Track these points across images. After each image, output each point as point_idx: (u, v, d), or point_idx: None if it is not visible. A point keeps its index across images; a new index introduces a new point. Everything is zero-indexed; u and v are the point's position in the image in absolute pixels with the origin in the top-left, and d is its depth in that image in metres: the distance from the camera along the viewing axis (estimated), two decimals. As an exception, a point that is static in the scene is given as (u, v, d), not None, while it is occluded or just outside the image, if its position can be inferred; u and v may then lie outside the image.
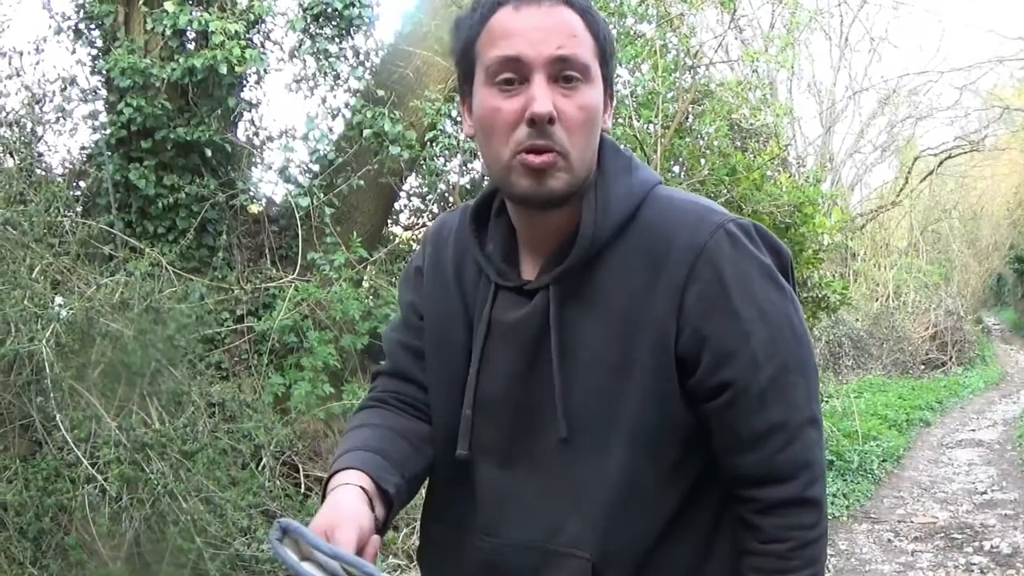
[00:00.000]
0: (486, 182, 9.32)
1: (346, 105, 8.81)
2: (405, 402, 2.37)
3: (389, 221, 9.80)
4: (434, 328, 2.32)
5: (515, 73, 2.00)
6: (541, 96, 1.97)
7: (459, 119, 8.96)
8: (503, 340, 2.17)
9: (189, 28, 7.83)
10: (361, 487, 2.09)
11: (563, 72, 2.00)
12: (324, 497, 2.12)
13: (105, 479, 5.48)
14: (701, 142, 10.95)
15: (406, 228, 10.35)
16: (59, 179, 7.90)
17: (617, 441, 2.07)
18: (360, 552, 1.95)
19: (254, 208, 8.60)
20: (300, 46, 8.53)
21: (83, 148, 8.32)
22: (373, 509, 2.08)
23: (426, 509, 2.44)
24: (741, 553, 2.12)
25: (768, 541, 2.07)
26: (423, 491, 2.41)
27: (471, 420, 2.19)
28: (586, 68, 2.02)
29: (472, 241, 2.25)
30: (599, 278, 2.08)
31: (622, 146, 2.22)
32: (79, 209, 7.79)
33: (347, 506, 2.03)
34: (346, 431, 2.40)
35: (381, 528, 2.11)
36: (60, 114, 8.11)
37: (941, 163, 29.87)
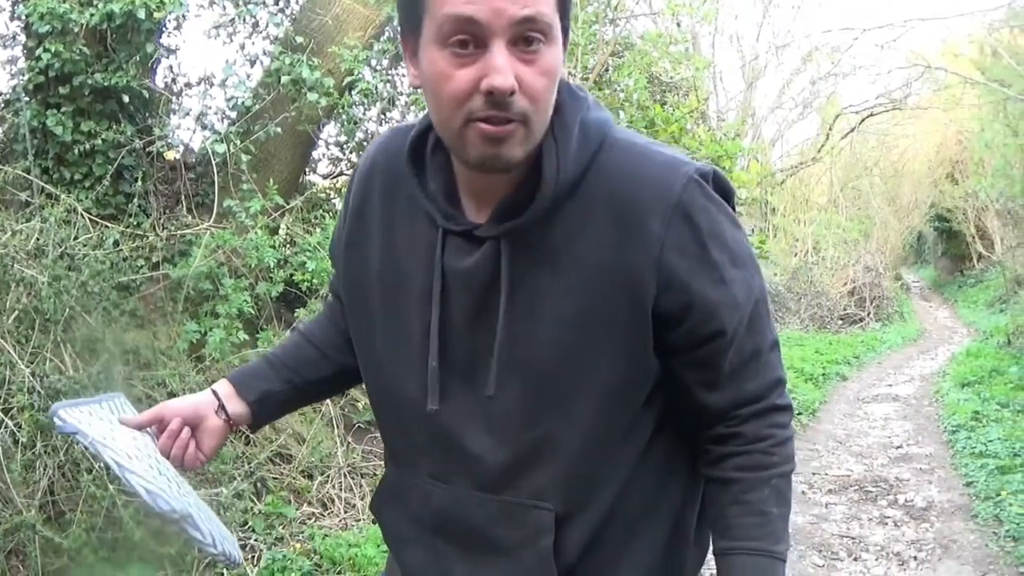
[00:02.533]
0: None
1: (264, 52, 8.76)
2: (338, 324, 2.47)
3: (307, 169, 9.76)
4: (362, 275, 2.25)
5: (471, 35, 1.82)
6: (502, 67, 1.81)
7: (377, 68, 8.97)
8: (456, 288, 2.09)
9: (108, -28, 7.70)
10: (215, 392, 2.39)
11: (524, 34, 1.82)
12: None
13: (18, 426, 5.45)
14: (620, 94, 10.96)
15: (324, 176, 10.31)
16: (-25, 125, 7.85)
17: (583, 394, 2.06)
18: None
19: (171, 155, 8.55)
20: (220, -8, 8.46)
21: (0, 94, 8.23)
22: (225, 412, 2.38)
23: (385, 455, 2.45)
24: (715, 460, 2.17)
25: (750, 441, 2.13)
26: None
27: (438, 371, 2.12)
28: (549, 27, 1.85)
29: (411, 180, 2.13)
30: (558, 229, 2.02)
31: (575, 86, 2.15)
32: (-5, 156, 7.75)
33: (180, 401, 2.37)
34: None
35: (249, 423, 2.46)
36: (-23, 60, 8.04)
37: (863, 121, 30.04)
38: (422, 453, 2.23)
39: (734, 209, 2.15)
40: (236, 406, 2.38)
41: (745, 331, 2.08)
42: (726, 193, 2.13)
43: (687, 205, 1.99)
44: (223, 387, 2.40)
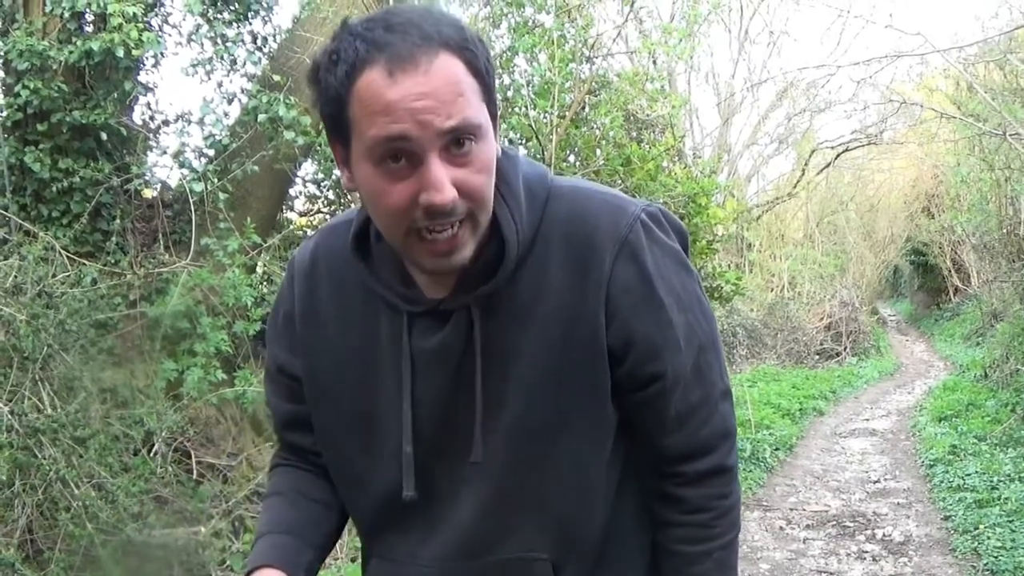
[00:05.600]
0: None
1: (242, 90, 8.77)
2: (310, 461, 2.35)
3: (284, 207, 9.77)
4: (323, 375, 2.19)
5: (402, 152, 1.78)
6: (437, 182, 1.78)
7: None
8: (427, 367, 2.07)
9: (87, 10, 7.67)
10: None
11: (455, 139, 1.79)
12: None
13: (-4, 464, 5.45)
14: (597, 132, 11.01)
15: (301, 214, 10.32)
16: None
17: (563, 443, 2.07)
18: None
19: (148, 193, 8.55)
20: (198, 30, 8.42)
21: (-22, 131, 8.24)
22: None
23: (362, 551, 2.40)
24: (661, 525, 2.19)
25: (692, 511, 2.14)
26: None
27: (412, 457, 2.10)
28: (477, 127, 1.81)
29: (361, 270, 2.08)
30: (521, 285, 2.02)
31: (506, 143, 2.11)
32: (-28, 192, 7.75)
33: None
34: (264, 496, 2.43)
35: None
36: (-44, 97, 8.04)
37: (838, 156, 30.15)
38: (405, 539, 2.22)
39: (687, 249, 2.16)
40: None
41: (691, 377, 2.09)
42: (680, 233, 2.15)
43: (632, 244, 2.01)
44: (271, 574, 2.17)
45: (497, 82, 11.18)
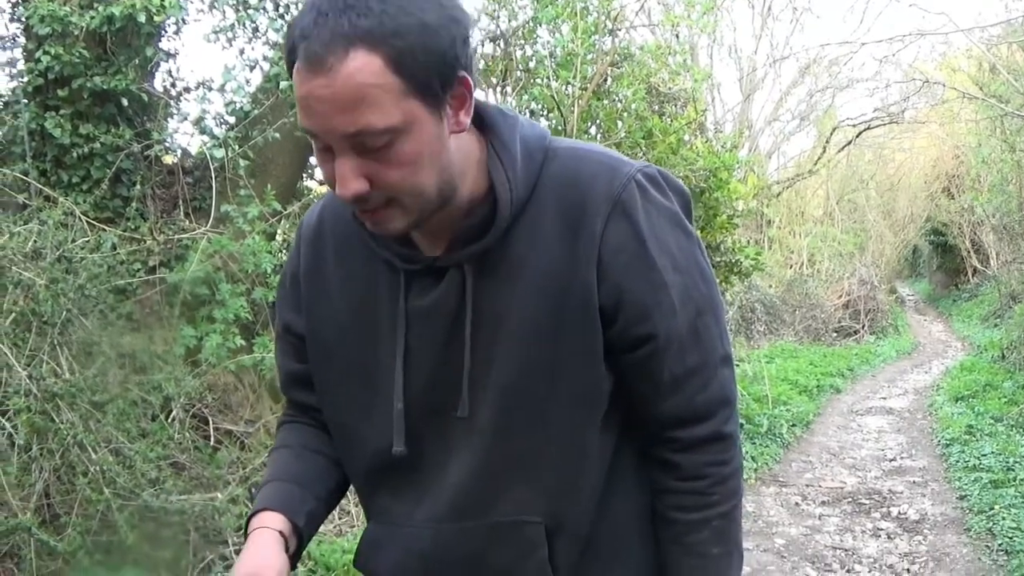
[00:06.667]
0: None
1: (264, 57, 8.74)
2: (315, 419, 2.38)
3: (304, 175, 9.73)
4: (324, 333, 2.24)
5: (320, 142, 1.85)
6: (343, 178, 1.84)
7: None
8: (421, 325, 2.10)
9: (109, -25, 7.67)
10: (280, 532, 2.16)
11: (363, 143, 1.80)
12: (247, 531, 2.20)
13: (14, 428, 5.45)
14: (619, 104, 10.98)
15: (321, 182, 10.29)
16: (-27, 127, 7.83)
17: (555, 404, 2.06)
18: None
19: (169, 159, 8.54)
20: (220, -4, 8.44)
21: (0, 96, 8.22)
22: (288, 548, 2.16)
23: (363, 508, 2.42)
24: (658, 492, 2.19)
25: (687, 479, 2.13)
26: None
27: (403, 413, 2.13)
28: (386, 131, 1.80)
29: (361, 230, 2.09)
30: (514, 245, 2.03)
31: (528, 113, 2.09)
32: (-6, 158, 7.74)
33: (268, 554, 2.11)
34: (271, 450, 2.45)
35: (293, 558, 2.20)
36: (-23, 62, 8.03)
37: (860, 134, 30.10)
38: (399, 500, 2.24)
39: (689, 212, 2.16)
40: (292, 543, 2.22)
41: (688, 340, 2.08)
42: (680, 195, 2.14)
43: (626, 203, 2.01)
44: (277, 522, 2.19)
45: (519, 52, 11.29)
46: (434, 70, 1.82)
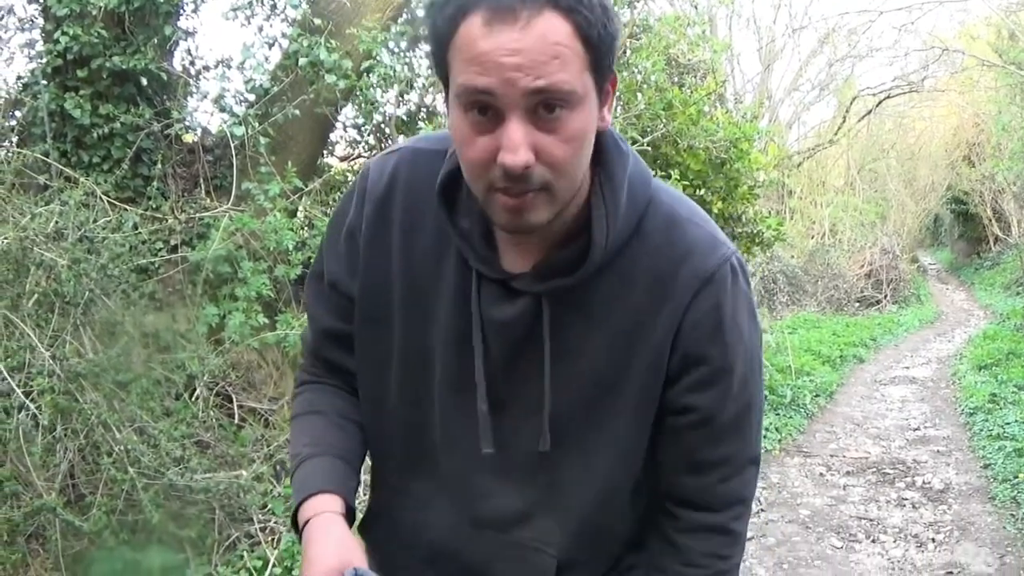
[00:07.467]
0: (423, 114, 9.12)
1: (283, 34, 8.72)
2: (346, 381, 2.34)
3: (324, 152, 9.72)
4: (379, 305, 2.17)
5: (487, 105, 1.74)
6: (514, 144, 1.73)
7: (395, 50, 8.95)
8: (488, 333, 2.05)
9: (127, -45, 7.66)
10: (343, 515, 2.13)
11: (543, 102, 1.72)
12: (296, 517, 2.15)
13: (39, 409, 5.46)
14: (638, 76, 10.94)
15: (342, 159, 10.29)
16: (-6, 109, 7.85)
17: (602, 449, 2.08)
18: None
19: (189, 138, 8.54)
20: (237, -26, 8.42)
21: (19, 78, 8.19)
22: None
23: (374, 478, 2.42)
24: (655, 568, 2.20)
25: (687, 564, 2.14)
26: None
27: (488, 416, 2.07)
28: (571, 94, 1.74)
29: (442, 215, 2.03)
30: (599, 290, 2.00)
31: (619, 136, 2.06)
32: (14, 139, 7.75)
33: (351, 545, 2.07)
34: (297, 412, 2.37)
35: None
36: (-4, 43, 8.03)
37: (880, 103, 30.10)
38: (420, 486, 2.24)
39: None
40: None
41: (729, 428, 2.09)
42: (746, 280, 2.13)
43: (718, 283, 2.00)
44: (335, 505, 2.14)
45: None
46: (608, 51, 1.79)
